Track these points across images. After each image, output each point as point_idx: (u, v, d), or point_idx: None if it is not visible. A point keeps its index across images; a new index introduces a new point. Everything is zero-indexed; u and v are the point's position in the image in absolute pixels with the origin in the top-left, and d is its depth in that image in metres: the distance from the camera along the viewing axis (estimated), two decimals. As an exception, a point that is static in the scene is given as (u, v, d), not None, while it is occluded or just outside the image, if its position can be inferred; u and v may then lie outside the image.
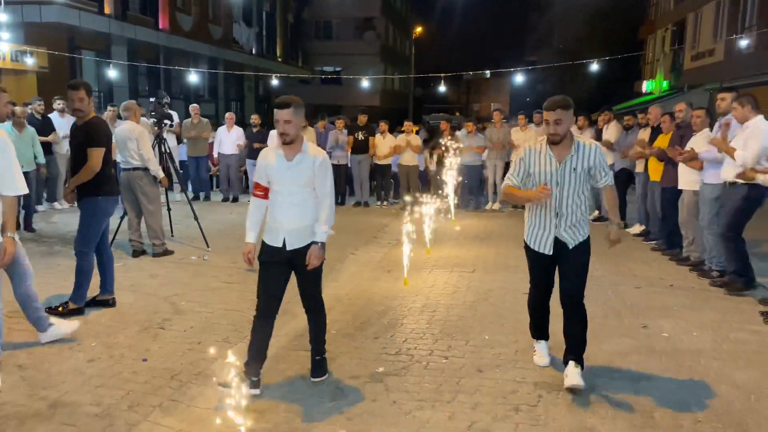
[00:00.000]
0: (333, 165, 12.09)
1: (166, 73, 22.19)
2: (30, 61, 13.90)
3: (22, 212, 8.30)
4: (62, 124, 10.35)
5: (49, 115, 10.54)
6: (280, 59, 33.00)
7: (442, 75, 20.76)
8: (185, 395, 3.80)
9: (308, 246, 3.84)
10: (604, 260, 6.95)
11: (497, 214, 11.33)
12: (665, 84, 25.25)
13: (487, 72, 36.97)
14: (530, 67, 29.14)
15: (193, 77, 20.70)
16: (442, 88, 22.65)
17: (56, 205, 10.78)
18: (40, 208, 10.17)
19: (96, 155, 5.26)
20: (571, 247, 3.91)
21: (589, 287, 4.09)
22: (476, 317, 5.33)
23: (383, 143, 12.01)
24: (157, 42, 20.74)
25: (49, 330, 4.52)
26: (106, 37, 18.59)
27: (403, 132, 12.09)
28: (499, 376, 4.10)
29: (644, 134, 8.64)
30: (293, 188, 3.83)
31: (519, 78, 29.95)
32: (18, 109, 8.82)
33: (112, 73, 17.63)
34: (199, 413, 3.58)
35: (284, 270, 3.91)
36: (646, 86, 26.73)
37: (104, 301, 5.44)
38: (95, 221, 5.30)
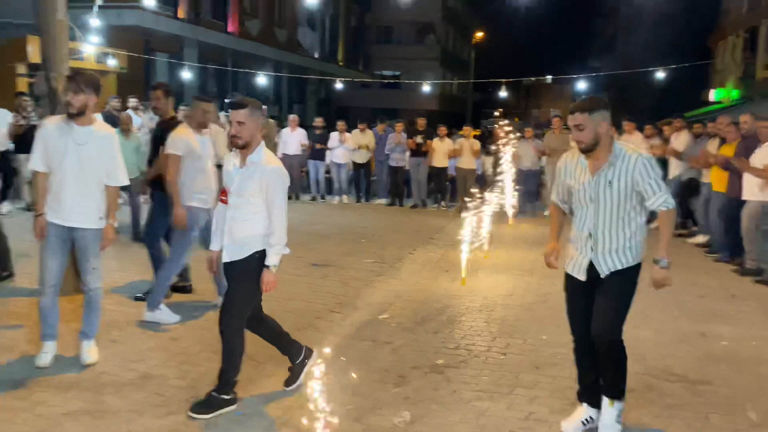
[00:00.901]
0: (392, 167, 12.58)
1: (233, 75, 22.98)
2: (112, 63, 14.73)
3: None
4: (136, 121, 10.98)
5: (124, 113, 11.20)
6: (341, 63, 33.60)
7: (502, 81, 20.83)
8: (261, 374, 4.11)
9: (243, 261, 3.55)
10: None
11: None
12: (735, 93, 24.48)
13: (549, 77, 36.65)
14: (593, 74, 28.75)
15: (261, 80, 21.37)
16: (502, 94, 22.64)
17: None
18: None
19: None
20: (602, 275, 3.30)
21: (663, 296, 4.00)
22: (534, 318, 5.47)
23: (441, 147, 12.22)
24: (226, 45, 21.52)
25: (155, 311, 4.95)
26: (179, 40, 19.46)
27: (462, 136, 12.26)
28: (557, 373, 4.25)
29: (713, 145, 8.53)
30: (235, 198, 3.57)
31: (581, 84, 29.59)
32: (124, 114, 8.80)
33: (185, 75, 18.44)
34: (274, 393, 3.87)
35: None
36: (714, 95, 25.95)
37: (183, 288, 5.83)
38: (160, 212, 5.62)
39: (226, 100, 8.94)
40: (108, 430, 3.34)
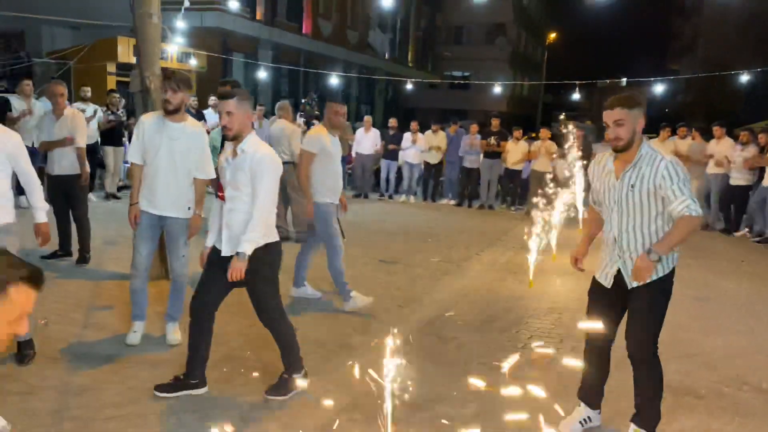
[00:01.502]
0: (465, 168, 12.64)
1: (305, 75, 23.55)
2: (193, 63, 15.42)
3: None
4: (215, 118, 11.52)
5: (203, 111, 11.77)
6: (411, 64, 33.78)
7: (575, 82, 20.42)
8: (330, 362, 4.29)
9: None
10: (748, 279, 6.75)
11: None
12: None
13: (624, 80, 35.58)
14: (672, 77, 27.78)
15: (333, 80, 21.79)
16: (575, 96, 22.22)
17: None
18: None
19: None
20: (629, 287, 3.19)
21: (737, 306, 4.06)
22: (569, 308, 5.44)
23: (516, 149, 12.19)
24: (300, 46, 22.08)
25: (350, 300, 5.42)
26: (255, 41, 20.12)
27: (538, 138, 12.23)
28: (627, 377, 4.23)
29: None
30: (230, 190, 3.57)
31: (658, 87, 28.65)
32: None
33: (261, 74, 19.05)
34: (345, 379, 4.04)
35: (219, 276, 3.56)
36: (803, 99, 24.60)
37: None
38: None
39: (303, 100, 9.21)
40: (192, 401, 3.59)
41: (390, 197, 13.17)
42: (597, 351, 3.42)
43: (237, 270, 3.44)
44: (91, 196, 9.73)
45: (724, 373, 4.34)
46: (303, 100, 9.11)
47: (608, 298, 3.29)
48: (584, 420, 3.48)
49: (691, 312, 5.79)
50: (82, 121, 6.39)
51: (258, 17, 19.92)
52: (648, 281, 3.10)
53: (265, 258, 3.56)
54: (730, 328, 5.32)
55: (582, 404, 3.52)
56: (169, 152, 4.22)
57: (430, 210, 12.21)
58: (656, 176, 3.04)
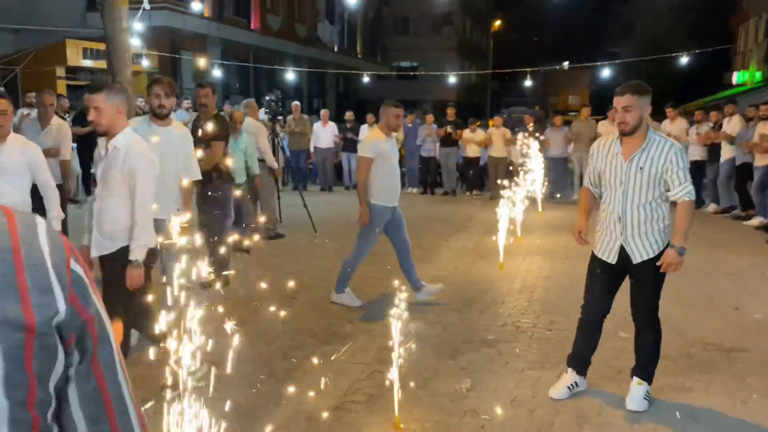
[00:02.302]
0: (423, 157, 12.92)
1: (255, 71, 23.37)
2: (145, 63, 15.18)
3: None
4: (181, 117, 11.49)
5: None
6: (360, 56, 33.86)
7: (518, 70, 20.95)
8: (323, 350, 4.47)
9: (111, 256, 3.40)
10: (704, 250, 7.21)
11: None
12: (758, 75, 24.37)
13: (566, 64, 36.49)
14: (615, 62, 28.70)
15: (283, 75, 21.74)
16: (523, 82, 22.79)
17: None
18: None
19: (218, 147, 6.02)
20: (635, 262, 3.47)
21: (695, 275, 4.42)
22: (574, 298, 5.69)
23: (473, 137, 12.56)
24: (249, 42, 21.91)
25: (422, 290, 5.60)
26: (203, 38, 19.88)
27: (492, 126, 12.62)
28: (601, 345, 4.55)
29: (765, 127, 8.73)
30: (101, 188, 3.40)
31: (600, 71, 29.54)
32: (237, 113, 7.65)
33: (215, 73, 18.85)
34: (341, 365, 4.23)
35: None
36: (737, 77, 25.84)
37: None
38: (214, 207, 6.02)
39: (267, 97, 9.24)
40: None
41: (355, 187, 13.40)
42: (593, 323, 3.73)
43: (137, 279, 3.33)
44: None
45: (690, 337, 4.71)
46: (267, 98, 9.15)
47: (610, 273, 3.57)
48: (572, 385, 3.78)
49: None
50: (68, 133, 6.32)
51: (206, 14, 19.68)
52: (651, 256, 3.45)
53: (124, 261, 3.38)
54: (691, 297, 5.72)
55: (570, 370, 3.80)
56: (158, 156, 4.30)
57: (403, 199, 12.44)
58: (665, 161, 3.30)
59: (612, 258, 3.53)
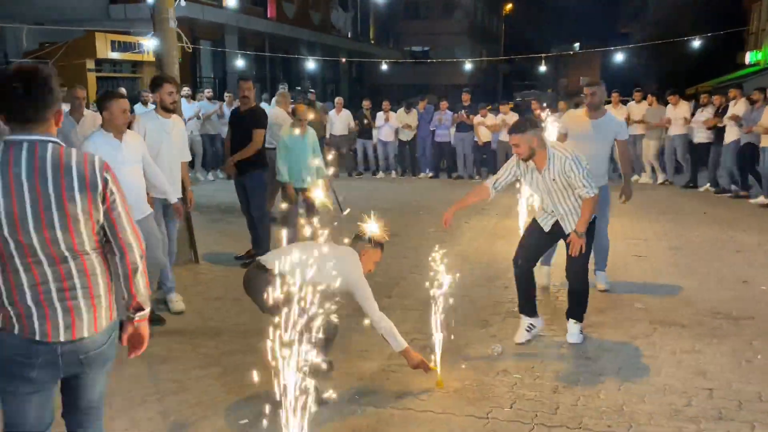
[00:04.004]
0: (437, 142, 13.30)
1: (271, 60, 23.75)
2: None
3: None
4: (188, 108, 11.95)
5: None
6: (372, 41, 34.10)
7: (530, 55, 21.13)
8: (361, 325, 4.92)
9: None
10: (714, 228, 7.58)
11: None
12: (771, 55, 24.36)
13: (576, 45, 36.53)
14: (628, 46, 28.75)
15: (298, 63, 22.10)
16: (535, 65, 22.97)
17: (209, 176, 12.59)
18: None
19: (259, 135, 6.46)
20: (567, 232, 4.35)
21: (704, 251, 4.83)
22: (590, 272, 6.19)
23: (485, 122, 12.93)
24: (265, 30, 22.25)
25: None
26: (221, 27, 20.25)
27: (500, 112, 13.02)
28: (616, 315, 5.01)
29: None
30: None
31: (611, 52, 29.59)
32: (299, 107, 6.86)
33: (243, 62, 19.25)
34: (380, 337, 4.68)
35: None
36: (749, 57, 25.84)
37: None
38: (262, 189, 6.52)
39: (297, 88, 9.60)
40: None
41: (373, 174, 13.81)
42: (525, 272, 4.53)
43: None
44: None
45: (700, 307, 5.14)
46: (298, 88, 9.55)
47: (541, 234, 4.48)
48: (528, 327, 4.52)
49: (667, 260, 6.63)
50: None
51: (224, 4, 20.04)
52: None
53: None
54: (700, 271, 6.15)
55: (523, 316, 4.56)
56: (168, 145, 4.99)
57: (411, 184, 12.85)
58: (566, 171, 4.15)
59: (547, 228, 4.44)
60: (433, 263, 4.13)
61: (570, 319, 4.54)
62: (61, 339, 2.17)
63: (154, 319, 4.71)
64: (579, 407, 3.57)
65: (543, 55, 18.78)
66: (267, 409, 3.48)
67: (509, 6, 40.60)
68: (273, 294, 2.85)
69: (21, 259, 2.12)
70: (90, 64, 13.56)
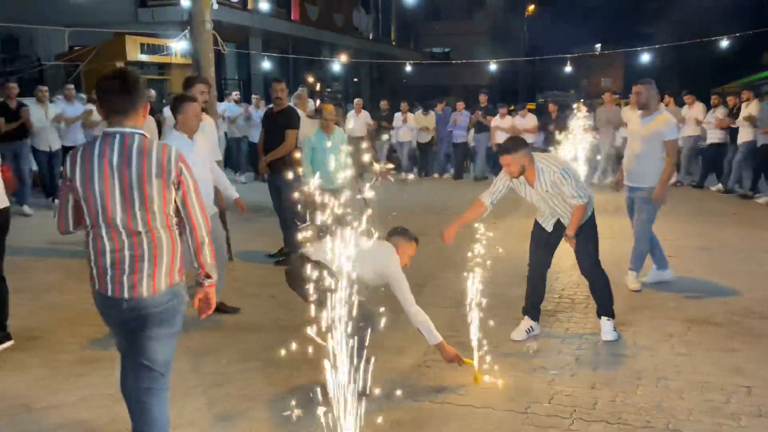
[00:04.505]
0: (454, 143, 13.35)
1: (294, 61, 23.92)
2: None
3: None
4: (236, 110, 12.15)
5: (221, 103, 12.33)
6: (394, 43, 34.17)
7: (552, 56, 21.04)
8: (398, 322, 4.99)
9: None
10: (745, 228, 7.54)
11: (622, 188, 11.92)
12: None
13: (598, 46, 36.25)
14: (652, 47, 28.51)
15: (321, 65, 22.24)
16: (557, 66, 22.89)
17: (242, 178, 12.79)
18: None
19: (292, 135, 6.57)
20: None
21: (734, 251, 4.83)
22: (621, 273, 6.16)
23: (502, 124, 12.97)
24: (289, 32, 22.44)
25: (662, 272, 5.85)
26: (246, 30, 20.46)
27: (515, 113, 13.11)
28: (651, 314, 5.02)
29: None
30: None
31: (633, 53, 29.32)
32: (327, 107, 6.68)
33: (267, 64, 19.43)
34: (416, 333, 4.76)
35: None
36: (775, 57, 25.47)
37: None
38: (291, 193, 6.56)
39: (300, 87, 9.64)
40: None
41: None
42: (538, 275, 4.67)
43: None
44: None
45: (734, 306, 5.14)
46: (328, 90, 9.66)
47: (547, 236, 4.58)
48: (529, 329, 4.63)
49: (699, 261, 6.63)
50: (150, 122, 6.96)
51: (249, 6, 20.26)
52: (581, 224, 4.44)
53: None
54: (733, 272, 6.13)
55: (526, 317, 4.67)
56: (202, 145, 5.08)
57: (432, 185, 12.91)
58: (555, 182, 4.28)
59: (549, 228, 4.57)
60: (464, 262, 4.15)
61: (602, 317, 4.59)
62: (125, 296, 2.62)
63: (229, 310, 5.06)
64: (617, 403, 3.61)
65: (563, 56, 18.68)
66: (308, 402, 3.60)
67: (531, 7, 40.39)
68: (316, 286, 2.98)
69: (106, 229, 2.61)
70: (112, 68, 13.78)
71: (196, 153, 4.68)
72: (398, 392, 3.77)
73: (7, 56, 14.24)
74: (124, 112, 2.61)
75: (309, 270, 3.44)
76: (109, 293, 2.63)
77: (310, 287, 3.01)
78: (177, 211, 2.71)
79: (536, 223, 4.66)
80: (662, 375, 3.95)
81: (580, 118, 11.71)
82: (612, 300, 4.60)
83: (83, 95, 10.63)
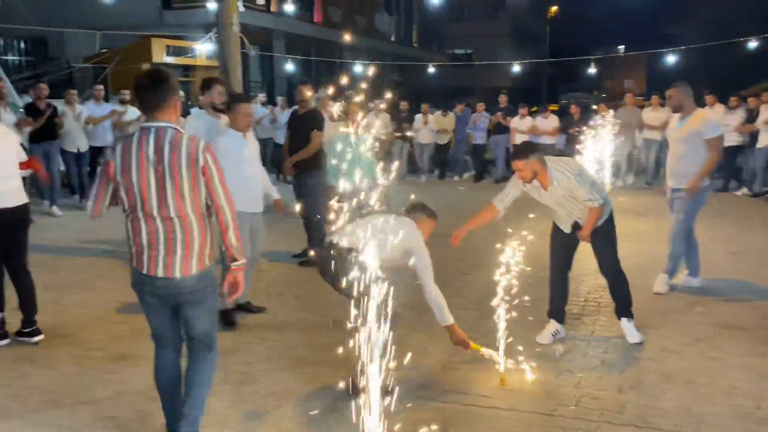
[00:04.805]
0: (474, 145, 13.27)
1: (316, 64, 24.05)
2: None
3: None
4: (262, 111, 12.26)
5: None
6: (416, 45, 34.18)
7: (575, 59, 20.88)
8: (424, 320, 5.00)
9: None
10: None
11: (645, 190, 11.80)
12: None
13: (621, 47, 35.87)
14: (678, 48, 28.18)
15: (343, 67, 22.31)
16: (581, 67, 22.71)
17: None
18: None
19: (318, 137, 6.60)
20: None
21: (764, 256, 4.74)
22: (647, 276, 6.09)
23: (521, 125, 12.87)
24: (312, 34, 22.56)
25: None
26: (269, 32, 20.62)
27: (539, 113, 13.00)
28: (679, 317, 4.96)
29: None
30: None
31: (657, 55, 28.97)
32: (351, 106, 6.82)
33: (290, 66, 19.56)
34: (440, 333, 4.76)
35: None
36: (805, 58, 24.98)
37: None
38: (319, 189, 6.58)
39: (320, 90, 9.65)
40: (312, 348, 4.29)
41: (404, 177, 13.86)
42: (561, 278, 4.70)
43: None
44: None
45: (764, 311, 5.07)
46: (351, 91, 9.67)
47: (566, 238, 4.60)
48: (554, 332, 4.61)
49: (728, 264, 6.54)
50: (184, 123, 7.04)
51: (272, 9, 20.41)
52: (599, 225, 4.44)
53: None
54: (764, 275, 6.03)
55: (552, 321, 4.66)
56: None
57: (452, 186, 12.87)
58: (570, 185, 4.30)
59: (568, 229, 4.57)
60: (487, 263, 4.15)
61: (621, 319, 4.57)
62: (159, 275, 2.89)
63: (255, 309, 5.12)
64: (646, 407, 3.58)
65: (586, 57, 18.55)
66: (335, 401, 3.62)
67: (554, 8, 40.14)
68: (348, 272, 2.98)
69: (143, 214, 2.87)
70: (146, 68, 13.97)
71: (249, 151, 4.88)
72: (422, 393, 3.78)
73: (37, 59, 14.51)
74: (155, 107, 2.86)
75: (340, 259, 3.51)
76: (145, 271, 2.90)
77: (342, 276, 3.10)
78: (207, 200, 2.94)
79: (554, 225, 4.68)
80: (691, 379, 3.91)
81: (603, 120, 11.65)
82: (630, 301, 4.58)
83: (123, 96, 10.63)
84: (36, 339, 4.57)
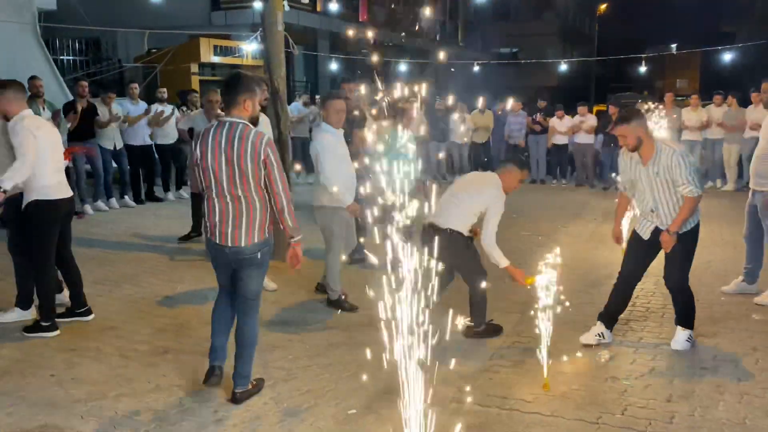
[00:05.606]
0: (511, 145, 13.10)
1: (361, 62, 24.07)
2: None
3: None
4: (302, 110, 12.31)
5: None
6: (461, 44, 33.94)
7: (623, 56, 20.32)
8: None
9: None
10: None
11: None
12: None
13: (674, 46, 34.80)
14: (732, 46, 27.21)
15: (388, 66, 22.30)
16: (631, 67, 22.12)
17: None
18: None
19: (359, 136, 6.57)
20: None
21: None
22: (702, 281, 5.87)
23: (560, 125, 12.72)
24: (355, 35, 22.60)
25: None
26: (314, 32, 20.76)
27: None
28: (734, 325, 4.76)
29: None
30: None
31: (711, 53, 28.00)
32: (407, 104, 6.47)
33: (334, 66, 19.67)
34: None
35: None
36: None
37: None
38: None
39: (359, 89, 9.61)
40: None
41: (443, 178, 13.71)
42: (626, 286, 4.50)
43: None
44: (170, 195, 10.37)
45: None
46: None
47: (644, 246, 4.36)
48: (600, 334, 4.46)
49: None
50: None
51: (318, 9, 20.55)
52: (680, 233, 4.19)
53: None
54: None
55: (599, 323, 4.50)
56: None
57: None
58: (672, 166, 4.04)
59: (647, 235, 4.33)
60: (531, 267, 4.06)
61: (678, 326, 4.43)
62: (228, 244, 3.51)
63: (346, 307, 5.19)
64: (696, 418, 3.43)
65: (637, 56, 18.05)
66: (373, 401, 3.59)
67: (603, 6, 39.29)
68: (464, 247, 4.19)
69: (216, 194, 3.49)
70: (194, 68, 14.24)
71: (344, 146, 5.09)
72: (464, 397, 3.71)
73: (91, 58, 14.93)
74: (228, 105, 3.48)
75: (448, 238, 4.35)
76: (217, 241, 3.52)
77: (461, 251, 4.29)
78: (266, 183, 3.49)
79: (634, 233, 4.47)
80: (745, 390, 3.73)
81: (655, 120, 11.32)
82: (693, 314, 4.43)
83: (162, 95, 10.77)
84: (88, 318, 4.92)
